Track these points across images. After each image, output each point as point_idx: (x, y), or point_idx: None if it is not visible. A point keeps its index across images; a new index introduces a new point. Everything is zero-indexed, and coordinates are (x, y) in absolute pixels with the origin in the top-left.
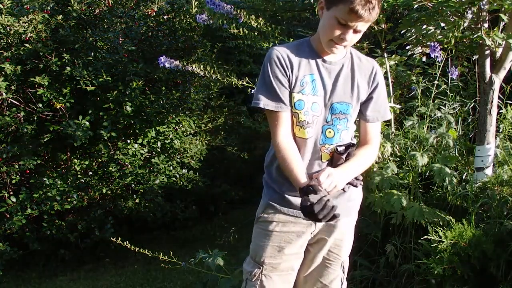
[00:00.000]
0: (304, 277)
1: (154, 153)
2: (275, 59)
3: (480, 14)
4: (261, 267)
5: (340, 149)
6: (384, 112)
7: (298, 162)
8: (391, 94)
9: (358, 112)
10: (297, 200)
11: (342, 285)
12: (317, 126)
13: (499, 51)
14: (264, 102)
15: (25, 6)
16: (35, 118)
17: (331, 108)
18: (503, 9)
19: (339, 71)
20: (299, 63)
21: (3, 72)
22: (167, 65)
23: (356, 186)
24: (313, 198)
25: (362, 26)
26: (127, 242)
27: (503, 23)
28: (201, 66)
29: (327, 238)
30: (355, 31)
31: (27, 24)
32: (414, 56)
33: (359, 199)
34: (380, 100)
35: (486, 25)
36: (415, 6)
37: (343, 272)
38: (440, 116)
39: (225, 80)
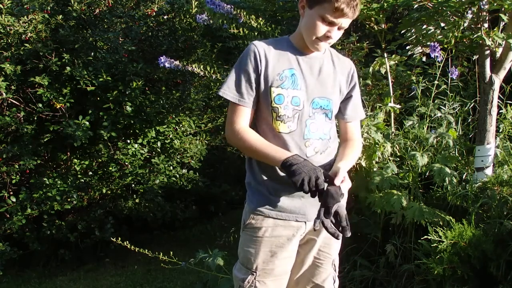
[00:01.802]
0: (296, 279)
1: (154, 153)
2: (250, 54)
3: (480, 14)
4: (255, 274)
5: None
6: (361, 111)
7: (266, 143)
8: (391, 94)
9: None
10: (285, 203)
11: (335, 283)
12: (300, 121)
13: (499, 51)
14: (228, 92)
15: (25, 6)
16: (35, 118)
17: (312, 102)
18: (503, 9)
19: (320, 67)
20: (277, 59)
21: (3, 72)
22: (167, 65)
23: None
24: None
25: (346, 23)
26: (127, 242)
27: (503, 23)
28: (201, 66)
29: (316, 238)
30: (339, 28)
31: (27, 24)
32: (414, 56)
33: (345, 198)
34: (357, 99)
35: (486, 25)
36: (415, 6)
37: (335, 270)
38: (440, 116)
39: None
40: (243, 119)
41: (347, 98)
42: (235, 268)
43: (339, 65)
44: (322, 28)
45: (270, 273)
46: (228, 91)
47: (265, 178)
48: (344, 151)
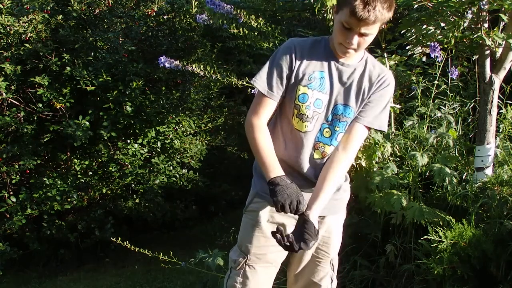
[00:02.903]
0: (295, 275)
1: (154, 153)
2: (287, 49)
3: (480, 14)
4: (246, 257)
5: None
6: (374, 120)
7: (271, 151)
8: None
9: None
10: None
11: (332, 283)
12: (317, 123)
13: (499, 51)
14: (260, 82)
15: (25, 6)
16: (35, 118)
17: (334, 108)
18: (503, 9)
19: (350, 75)
20: (311, 59)
21: (3, 72)
22: (167, 65)
23: None
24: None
25: (367, 29)
26: (127, 242)
27: (503, 23)
28: (201, 66)
29: None
30: (361, 35)
31: (27, 24)
32: (414, 56)
33: (346, 197)
34: (374, 105)
35: (486, 25)
36: (415, 6)
37: (333, 270)
38: (440, 116)
39: (225, 80)
40: (265, 112)
41: (366, 102)
42: (232, 249)
43: (369, 75)
44: (342, 34)
45: (262, 259)
46: (260, 81)
47: None
48: (326, 176)
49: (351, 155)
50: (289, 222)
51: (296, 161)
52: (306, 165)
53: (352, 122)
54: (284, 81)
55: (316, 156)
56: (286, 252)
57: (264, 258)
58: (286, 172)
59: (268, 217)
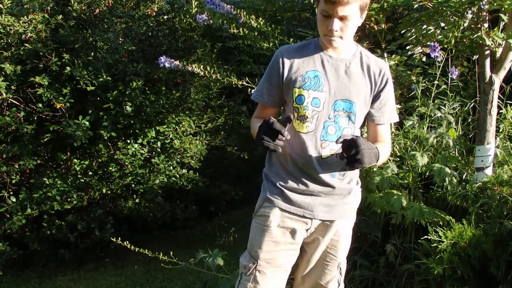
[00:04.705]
0: (302, 277)
1: (154, 153)
2: (274, 59)
3: (480, 14)
4: (256, 262)
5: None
6: (391, 115)
7: (257, 124)
8: None
9: (365, 113)
10: (295, 197)
11: (339, 287)
12: (318, 122)
13: (499, 51)
14: (253, 92)
15: (25, 6)
16: (35, 118)
17: (334, 104)
18: (503, 9)
19: (346, 69)
20: (302, 61)
21: (3, 72)
22: (167, 65)
23: None
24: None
25: (344, 11)
26: (127, 242)
27: (503, 23)
28: (201, 66)
29: (321, 238)
30: (341, 19)
31: (27, 24)
32: (414, 56)
33: (357, 202)
34: (387, 101)
35: (486, 25)
36: (415, 6)
37: (340, 274)
38: (440, 116)
39: (225, 80)
40: (260, 114)
41: (375, 99)
42: (242, 255)
43: (368, 67)
44: (324, 24)
45: (272, 263)
46: (254, 91)
47: (281, 171)
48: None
49: (388, 146)
50: (300, 226)
51: (307, 164)
52: (317, 167)
53: (373, 125)
54: (274, 87)
55: (325, 155)
56: (296, 256)
57: (274, 263)
58: (302, 178)
59: (278, 221)
